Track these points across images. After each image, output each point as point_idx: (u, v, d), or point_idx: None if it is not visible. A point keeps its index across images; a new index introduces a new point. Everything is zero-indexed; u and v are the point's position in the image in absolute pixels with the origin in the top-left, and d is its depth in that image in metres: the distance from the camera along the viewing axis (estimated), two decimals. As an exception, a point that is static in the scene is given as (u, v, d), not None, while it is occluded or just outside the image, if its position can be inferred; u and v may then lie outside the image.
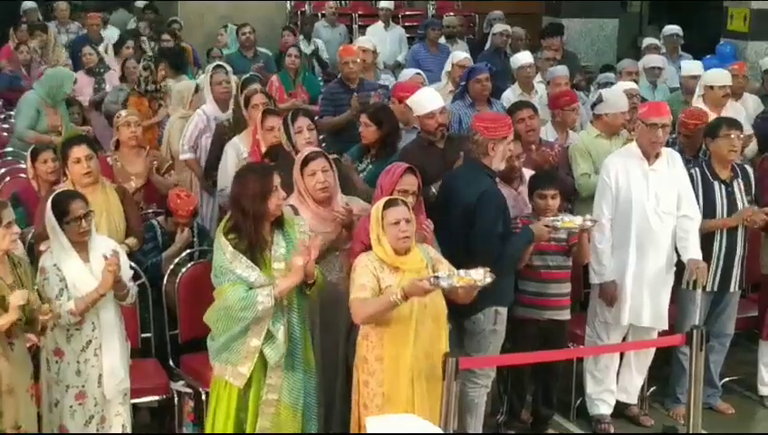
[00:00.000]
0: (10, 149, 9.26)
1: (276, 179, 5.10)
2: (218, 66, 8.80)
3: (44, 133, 8.78)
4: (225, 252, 5.06)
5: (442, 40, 12.57)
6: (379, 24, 14.07)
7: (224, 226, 5.18)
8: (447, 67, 9.71)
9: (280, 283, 5.03)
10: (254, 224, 5.06)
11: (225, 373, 5.17)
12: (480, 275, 4.87)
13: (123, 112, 7.91)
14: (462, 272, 4.91)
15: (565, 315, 6.38)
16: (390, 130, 7.08)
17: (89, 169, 6.28)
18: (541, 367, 6.39)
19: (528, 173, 6.51)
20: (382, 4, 14.50)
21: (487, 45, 12.41)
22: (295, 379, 5.21)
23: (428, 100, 6.93)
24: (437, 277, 4.85)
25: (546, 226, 5.85)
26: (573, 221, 5.88)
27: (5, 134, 9.90)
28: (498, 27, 12.28)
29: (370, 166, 6.91)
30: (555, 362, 6.40)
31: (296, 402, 5.23)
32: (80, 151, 6.28)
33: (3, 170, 8.54)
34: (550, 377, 6.49)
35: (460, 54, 9.88)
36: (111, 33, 13.75)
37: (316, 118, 7.53)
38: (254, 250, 5.07)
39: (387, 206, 5.13)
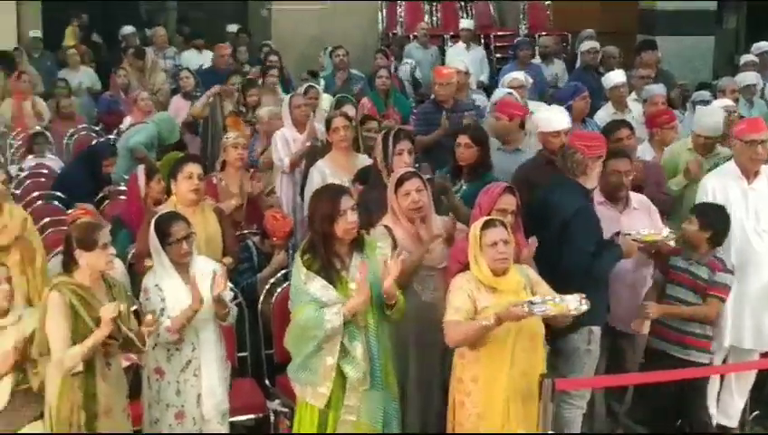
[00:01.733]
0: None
1: (347, 203, 5.05)
2: (310, 87, 8.92)
3: None
4: (300, 273, 5.07)
5: (537, 60, 12.52)
6: (461, 44, 14.09)
7: (302, 246, 5.21)
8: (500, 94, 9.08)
9: (348, 301, 4.99)
10: (325, 245, 5.05)
11: (306, 394, 5.17)
12: (575, 303, 4.86)
13: (231, 134, 8.05)
14: (557, 298, 4.91)
15: (701, 359, 6.15)
16: (486, 151, 7.08)
17: (197, 186, 6.39)
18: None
19: (636, 197, 6.38)
20: (463, 25, 14.52)
21: (578, 64, 12.33)
22: (374, 400, 5.14)
23: (557, 118, 6.93)
24: (532, 304, 4.83)
25: (634, 240, 5.79)
26: (657, 234, 5.84)
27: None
28: (586, 45, 12.20)
29: (464, 186, 6.89)
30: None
31: (374, 423, 5.15)
32: (194, 168, 6.41)
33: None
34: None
35: (509, 76, 9.64)
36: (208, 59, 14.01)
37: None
38: (329, 270, 5.06)
39: (485, 226, 5.11)
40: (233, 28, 15.39)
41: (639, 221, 6.16)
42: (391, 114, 10.29)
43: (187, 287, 5.37)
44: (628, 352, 6.33)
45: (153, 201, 6.93)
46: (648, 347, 6.25)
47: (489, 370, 5.08)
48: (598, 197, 6.25)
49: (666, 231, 5.89)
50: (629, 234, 5.87)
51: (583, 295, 4.90)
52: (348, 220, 5.02)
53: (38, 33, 14.28)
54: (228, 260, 6.47)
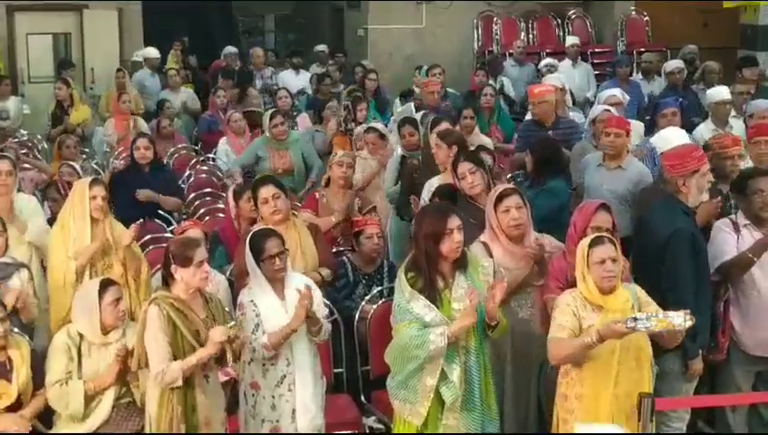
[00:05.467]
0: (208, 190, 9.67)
1: (454, 222, 5.00)
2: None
3: None
4: (404, 291, 5.05)
5: (639, 76, 12.39)
6: (567, 61, 13.97)
7: (406, 264, 5.18)
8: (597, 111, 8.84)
9: (453, 324, 4.95)
10: (429, 264, 5.02)
11: (404, 411, 5.14)
12: (680, 319, 4.67)
13: (340, 152, 8.14)
14: (661, 314, 4.74)
15: None
16: (538, 159, 7.17)
17: (276, 207, 6.41)
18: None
19: None
20: (570, 41, 14.41)
21: (663, 84, 12.17)
22: (472, 421, 5.10)
23: (674, 136, 6.90)
24: (635, 319, 4.70)
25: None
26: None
27: (204, 176, 10.27)
28: (671, 65, 12.01)
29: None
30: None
31: None
32: (266, 191, 6.44)
33: (202, 210, 8.86)
34: None
35: (606, 93, 9.61)
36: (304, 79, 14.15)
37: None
38: (432, 289, 5.03)
39: (593, 244, 5.04)
40: (322, 48, 15.47)
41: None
42: (493, 133, 10.26)
43: (281, 303, 5.42)
44: None
45: (249, 220, 6.98)
46: None
47: (593, 389, 5.01)
48: (742, 220, 6.05)
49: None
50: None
51: (688, 311, 4.71)
52: (454, 239, 4.98)
53: (140, 57, 14.59)
54: (326, 271, 6.51)
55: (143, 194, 8.48)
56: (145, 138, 9.00)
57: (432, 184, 7.30)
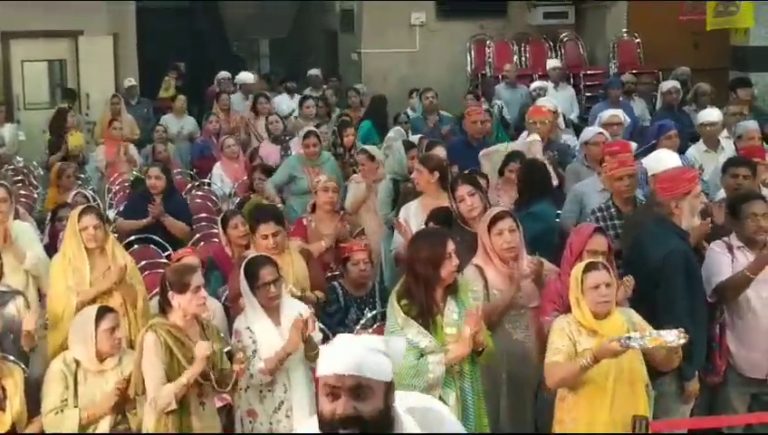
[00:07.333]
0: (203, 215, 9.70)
1: (450, 246, 5.01)
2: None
3: (302, 194, 9.11)
4: (396, 318, 5.02)
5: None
6: (549, 84, 13.99)
7: (397, 290, 5.15)
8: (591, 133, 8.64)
9: (449, 352, 4.96)
10: (425, 289, 5.00)
11: None
12: (673, 337, 4.68)
13: (323, 177, 8.11)
14: (654, 332, 4.76)
15: None
16: (523, 183, 7.25)
17: (275, 244, 6.39)
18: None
19: None
20: (550, 65, 14.47)
21: (658, 104, 12.19)
22: None
23: (666, 158, 6.76)
24: (628, 338, 4.70)
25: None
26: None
27: (199, 201, 10.29)
28: (667, 85, 12.05)
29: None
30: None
31: None
32: (266, 229, 6.41)
33: (198, 235, 8.88)
34: None
35: (607, 113, 9.53)
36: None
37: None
38: (426, 315, 5.00)
39: (587, 269, 5.04)
40: (315, 72, 15.51)
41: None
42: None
43: (277, 329, 5.44)
44: None
45: (240, 246, 6.98)
46: None
47: (589, 413, 5.01)
48: (736, 242, 6.04)
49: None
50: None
51: (682, 329, 4.73)
52: (453, 263, 4.99)
53: (133, 81, 14.61)
54: (320, 294, 6.54)
55: (155, 208, 8.47)
56: (156, 167, 8.97)
57: (409, 207, 7.32)
